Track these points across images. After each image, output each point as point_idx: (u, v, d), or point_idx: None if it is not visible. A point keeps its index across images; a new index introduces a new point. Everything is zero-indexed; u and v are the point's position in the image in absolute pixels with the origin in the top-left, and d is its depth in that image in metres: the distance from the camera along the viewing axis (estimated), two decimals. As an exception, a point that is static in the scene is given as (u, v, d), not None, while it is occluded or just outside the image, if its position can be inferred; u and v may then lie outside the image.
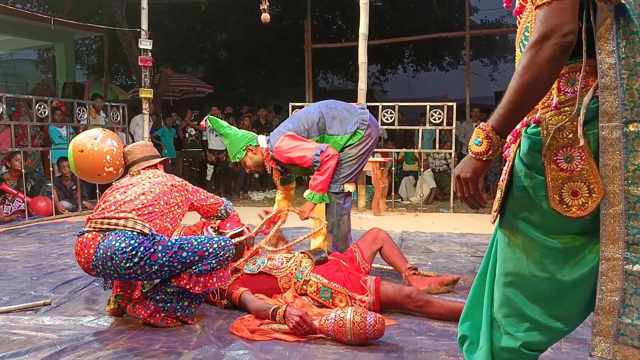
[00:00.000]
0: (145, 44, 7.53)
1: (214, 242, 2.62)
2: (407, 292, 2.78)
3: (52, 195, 6.67)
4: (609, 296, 1.28)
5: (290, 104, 7.82)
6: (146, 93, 7.50)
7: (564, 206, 1.31)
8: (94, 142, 2.96)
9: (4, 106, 6.12)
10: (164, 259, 2.50)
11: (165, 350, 2.37)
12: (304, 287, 2.90)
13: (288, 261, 3.03)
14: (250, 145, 3.65)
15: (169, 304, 2.63)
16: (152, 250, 2.48)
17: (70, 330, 2.61)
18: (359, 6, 6.35)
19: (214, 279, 2.64)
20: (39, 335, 2.54)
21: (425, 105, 7.36)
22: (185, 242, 2.57)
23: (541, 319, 1.39)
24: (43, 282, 3.53)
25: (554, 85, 1.31)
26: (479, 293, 1.54)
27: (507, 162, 1.45)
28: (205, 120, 3.77)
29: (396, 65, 18.20)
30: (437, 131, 7.37)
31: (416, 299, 2.74)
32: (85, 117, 7.36)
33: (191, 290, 2.60)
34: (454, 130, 7.54)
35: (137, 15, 8.03)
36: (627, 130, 1.22)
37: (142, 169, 2.98)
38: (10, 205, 6.41)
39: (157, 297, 2.63)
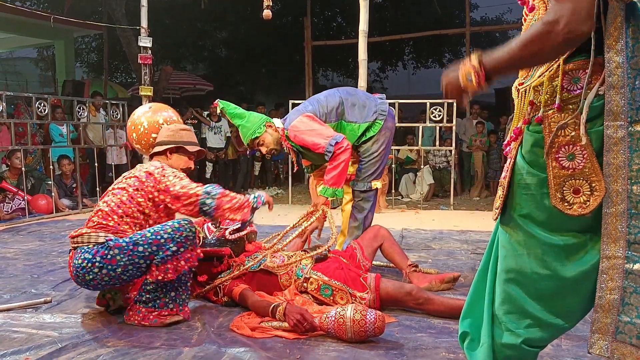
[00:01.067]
0: (145, 41, 7.52)
1: (167, 226, 2.61)
2: (407, 289, 2.78)
3: (53, 193, 6.67)
4: (609, 294, 1.28)
5: (291, 101, 7.81)
6: (146, 91, 7.49)
7: (566, 204, 1.31)
8: (132, 117, 3.16)
9: (4, 104, 6.11)
10: (124, 259, 2.56)
11: (166, 347, 2.37)
12: (305, 284, 2.90)
13: (289, 258, 3.03)
14: (269, 122, 3.50)
15: (157, 301, 2.64)
16: (108, 256, 2.55)
17: (71, 327, 2.62)
18: (359, 3, 6.34)
19: (182, 262, 2.62)
20: (39, 332, 2.54)
21: (425, 102, 7.36)
22: (139, 236, 2.59)
23: (542, 315, 1.39)
24: (43, 280, 3.54)
25: (557, 84, 1.31)
26: (480, 290, 1.55)
27: (509, 160, 1.45)
28: (217, 102, 3.56)
29: (396, 63, 18.17)
30: (437, 128, 7.37)
31: (416, 296, 2.74)
32: (85, 115, 7.35)
33: (165, 280, 2.60)
34: (454, 128, 7.53)
35: (136, 13, 8.02)
36: (632, 129, 1.22)
37: (151, 154, 3.02)
38: (10, 203, 6.41)
39: (143, 299, 2.65)
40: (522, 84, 1.42)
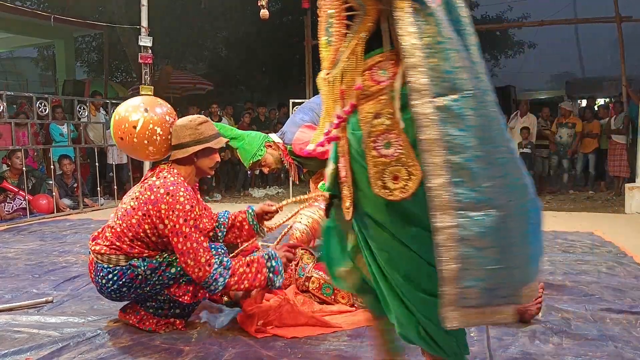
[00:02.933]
0: (145, 41, 7.52)
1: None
2: (408, 288, 2.77)
3: (53, 193, 6.67)
4: (450, 264, 1.29)
5: (291, 101, 7.81)
6: (146, 90, 7.49)
7: (387, 190, 1.35)
8: (134, 131, 2.54)
9: (4, 104, 6.11)
10: (154, 279, 2.47)
11: (167, 347, 2.37)
12: (306, 283, 2.90)
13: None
14: (268, 141, 3.43)
15: (160, 311, 2.57)
16: (139, 277, 2.44)
17: (72, 327, 2.62)
18: (359, 2, 6.34)
19: (203, 290, 2.55)
20: (40, 332, 2.54)
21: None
22: (174, 258, 2.46)
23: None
24: (45, 280, 3.54)
25: (366, 79, 1.38)
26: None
27: (343, 158, 1.48)
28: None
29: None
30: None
31: (417, 295, 2.74)
32: (86, 114, 7.35)
33: (180, 300, 2.53)
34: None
35: (137, 13, 8.02)
36: (438, 104, 1.26)
37: (169, 162, 2.63)
38: (11, 203, 6.41)
39: (148, 304, 2.57)
40: (329, 74, 1.46)
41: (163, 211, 2.38)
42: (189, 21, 15.12)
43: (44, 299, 3.01)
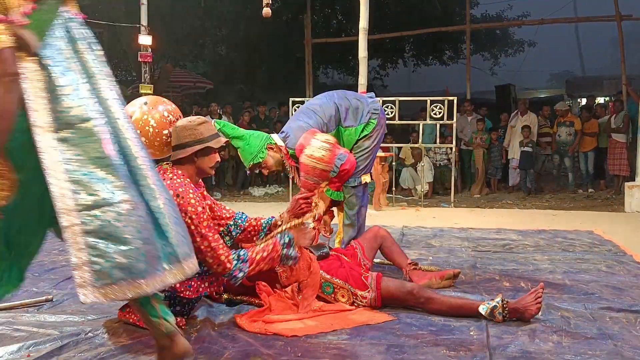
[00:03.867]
0: (145, 39, 7.52)
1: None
2: (408, 288, 2.78)
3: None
4: (79, 255, 1.66)
5: (291, 99, 7.81)
6: (146, 89, 7.50)
7: None
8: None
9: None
10: None
11: (167, 345, 2.37)
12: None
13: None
14: (270, 143, 3.37)
15: None
16: None
17: (72, 326, 2.62)
18: (359, 0, 6.32)
19: (206, 284, 2.59)
20: (40, 331, 2.54)
21: (426, 100, 7.35)
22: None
23: None
24: (45, 279, 3.53)
25: None
26: None
27: None
28: (214, 123, 3.23)
29: (396, 60, 18.14)
30: (438, 126, 7.36)
31: (418, 295, 2.74)
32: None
33: (182, 295, 2.54)
34: (454, 125, 7.52)
35: (136, 11, 8.01)
36: (56, 136, 1.67)
37: (169, 162, 2.63)
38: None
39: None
40: None
41: (183, 201, 2.43)
42: (189, 19, 15.11)
43: (44, 298, 3.01)
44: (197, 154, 2.58)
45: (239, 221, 2.92)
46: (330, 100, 3.51)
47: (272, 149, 3.37)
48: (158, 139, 2.59)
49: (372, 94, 3.71)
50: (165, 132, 2.59)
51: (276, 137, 3.44)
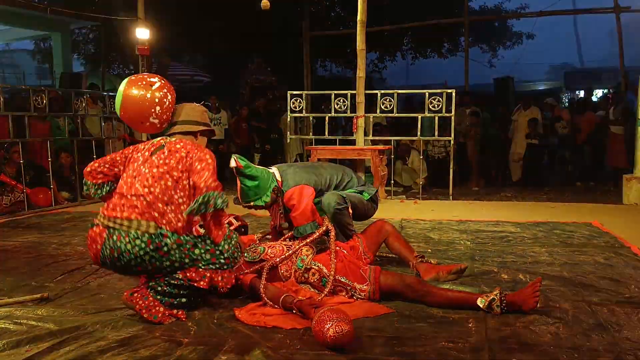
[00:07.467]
0: (142, 33, 7.48)
1: (225, 241, 2.69)
2: (407, 282, 2.79)
3: (52, 186, 6.66)
4: None
5: (289, 92, 7.79)
6: (144, 82, 7.46)
7: None
8: (150, 88, 2.80)
9: (2, 98, 6.07)
10: (176, 255, 2.57)
11: (166, 338, 2.38)
12: (305, 275, 2.91)
13: (288, 249, 3.04)
14: (275, 185, 3.43)
15: (167, 298, 2.60)
16: (164, 248, 2.54)
17: (71, 320, 2.62)
18: (357, -7, 6.31)
19: (219, 277, 2.66)
20: (39, 325, 2.54)
21: (424, 92, 7.34)
22: (199, 239, 2.63)
23: None
24: (44, 273, 3.54)
25: None
26: None
27: None
28: (234, 159, 3.32)
29: (394, 53, 18.10)
30: (436, 119, 7.35)
31: (416, 288, 2.75)
32: (84, 106, 7.32)
33: (196, 285, 2.61)
34: (452, 118, 7.51)
35: (133, 4, 7.97)
36: None
37: (178, 133, 2.86)
38: (9, 196, 6.40)
39: (159, 289, 2.61)
40: None
41: (197, 163, 2.66)
42: (187, 12, 15.04)
43: (39, 295, 2.97)
44: (200, 134, 2.92)
45: None
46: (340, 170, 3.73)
47: (274, 191, 3.42)
48: (167, 114, 2.86)
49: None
50: (170, 107, 2.87)
51: (276, 172, 3.50)
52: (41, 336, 2.39)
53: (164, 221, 2.58)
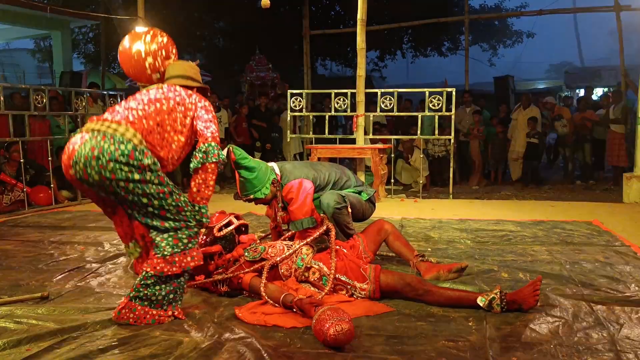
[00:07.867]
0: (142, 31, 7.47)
1: (194, 205, 2.67)
2: (407, 280, 2.79)
3: (52, 185, 6.66)
4: None
5: (289, 91, 7.78)
6: (144, 81, 7.46)
7: None
8: (141, 39, 3.11)
9: (2, 97, 6.07)
10: (152, 189, 2.49)
11: (166, 337, 2.38)
12: (305, 273, 2.91)
13: (288, 248, 3.04)
14: (273, 178, 3.46)
15: (154, 300, 2.57)
16: (146, 176, 2.46)
17: (71, 319, 2.62)
18: (357, -8, 6.30)
19: (189, 258, 2.61)
20: (40, 324, 2.54)
21: (425, 91, 7.33)
22: (176, 190, 2.58)
23: None
24: (43, 272, 3.54)
25: None
26: None
27: None
28: (229, 150, 3.37)
29: (395, 51, 18.08)
30: (437, 117, 7.35)
31: (416, 287, 2.75)
32: (83, 105, 7.32)
33: (168, 273, 2.55)
34: (453, 117, 7.50)
35: (133, 3, 7.97)
36: None
37: (180, 85, 2.90)
38: (10, 195, 6.40)
39: (140, 295, 2.56)
40: None
41: (204, 111, 2.77)
42: (187, 11, 15.03)
43: (39, 294, 2.98)
44: (198, 90, 2.97)
45: None
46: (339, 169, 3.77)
47: (273, 184, 3.45)
48: (160, 62, 3.06)
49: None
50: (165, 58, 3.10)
51: (275, 167, 3.53)
52: (41, 335, 2.39)
53: (149, 139, 2.57)
